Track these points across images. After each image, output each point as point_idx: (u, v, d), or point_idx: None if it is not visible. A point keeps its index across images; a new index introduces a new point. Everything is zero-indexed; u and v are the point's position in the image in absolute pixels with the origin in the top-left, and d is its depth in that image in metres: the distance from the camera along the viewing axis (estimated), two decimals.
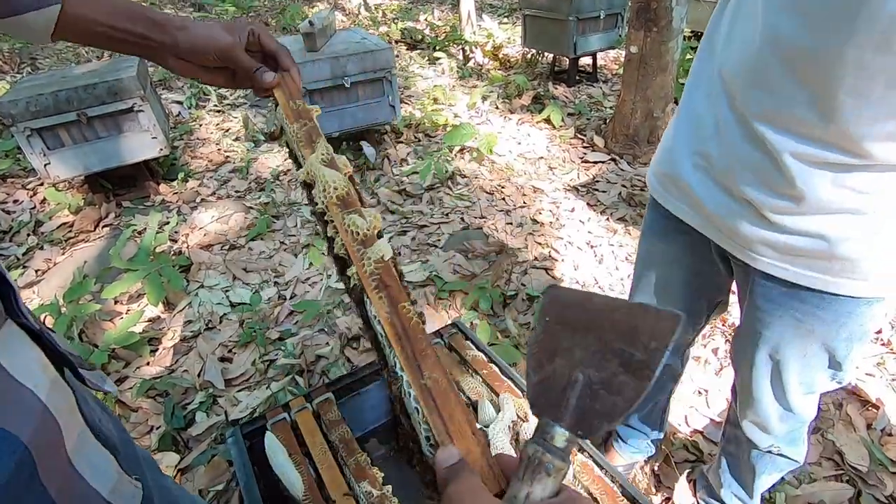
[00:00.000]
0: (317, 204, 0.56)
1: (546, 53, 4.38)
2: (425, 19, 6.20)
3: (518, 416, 0.88)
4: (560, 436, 0.35)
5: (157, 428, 1.56)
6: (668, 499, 1.36)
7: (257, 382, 1.70)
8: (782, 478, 1.34)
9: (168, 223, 2.47)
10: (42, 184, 2.73)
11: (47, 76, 2.61)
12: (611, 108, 3.62)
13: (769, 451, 0.98)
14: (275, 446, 0.84)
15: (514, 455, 0.55)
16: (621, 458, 1.42)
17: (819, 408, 0.95)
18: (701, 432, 1.52)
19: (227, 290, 2.12)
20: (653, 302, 1.00)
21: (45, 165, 2.35)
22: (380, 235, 0.54)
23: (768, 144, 0.65)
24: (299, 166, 0.62)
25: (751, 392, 0.88)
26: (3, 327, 0.41)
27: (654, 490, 1.40)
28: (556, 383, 0.37)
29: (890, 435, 1.47)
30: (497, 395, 0.93)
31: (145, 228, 2.36)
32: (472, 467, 0.40)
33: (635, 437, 1.37)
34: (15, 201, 2.75)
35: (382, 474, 0.81)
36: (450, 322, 1.20)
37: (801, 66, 0.59)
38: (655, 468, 1.44)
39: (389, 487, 0.78)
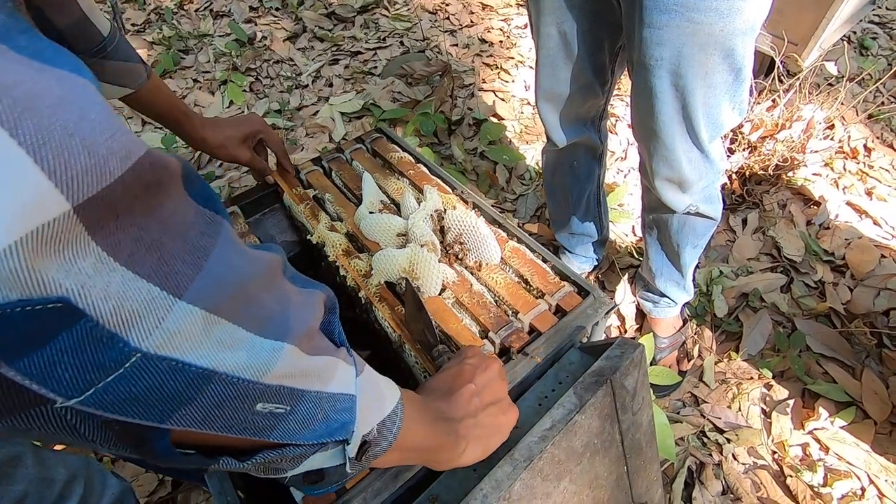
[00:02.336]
0: (328, 256, 0.78)
1: None
2: None
3: (444, 207, 0.79)
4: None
5: None
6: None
7: None
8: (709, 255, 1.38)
9: None
10: None
11: None
12: None
13: (688, 213, 0.97)
14: None
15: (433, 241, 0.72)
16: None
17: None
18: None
19: (138, 134, 1.86)
20: (560, 70, 0.94)
21: None
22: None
23: None
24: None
25: (661, 140, 0.83)
26: None
27: None
28: None
29: (827, 229, 1.50)
30: (420, 190, 0.83)
31: None
32: None
33: (580, 243, 1.35)
34: None
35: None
36: (373, 128, 1.05)
37: None
38: (600, 277, 1.45)
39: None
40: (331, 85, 2.02)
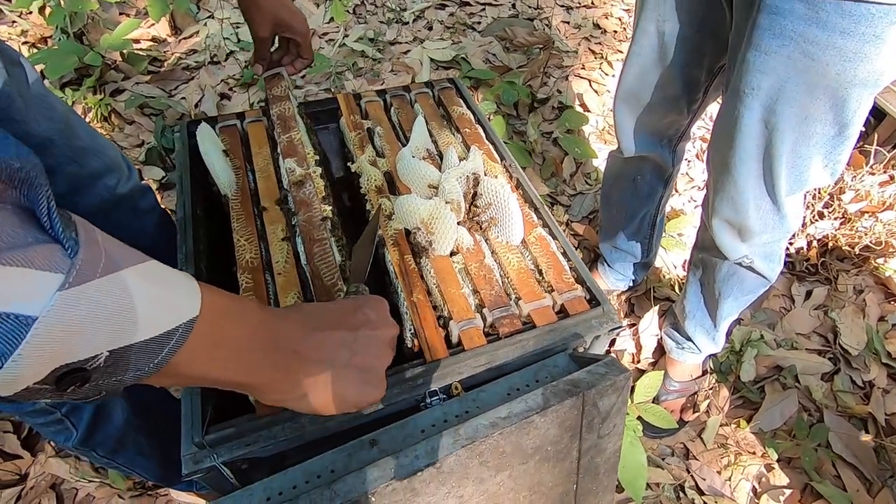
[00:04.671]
0: (361, 187, 0.76)
1: None
2: None
3: (484, 172, 0.76)
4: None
5: (147, 143, 1.53)
6: (633, 325, 1.32)
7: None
8: (753, 316, 1.27)
9: None
10: None
11: None
12: None
13: (740, 263, 0.88)
14: (206, 136, 0.75)
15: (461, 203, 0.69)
16: (603, 283, 1.35)
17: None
18: None
19: (237, 27, 1.92)
20: (649, 74, 0.86)
21: None
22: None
23: None
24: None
25: (732, 177, 0.75)
26: None
27: (622, 315, 1.35)
28: None
29: None
30: (468, 149, 0.80)
31: None
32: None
33: (622, 260, 1.28)
34: None
35: (317, 157, 0.76)
36: (447, 77, 1.02)
37: None
38: (632, 299, 1.38)
39: (319, 170, 0.73)
40: (430, 28, 1.98)
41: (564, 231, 1.46)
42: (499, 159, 0.82)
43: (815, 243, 1.42)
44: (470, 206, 0.72)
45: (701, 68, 0.83)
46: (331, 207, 0.70)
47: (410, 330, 0.61)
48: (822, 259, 1.42)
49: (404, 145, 0.82)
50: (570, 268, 0.69)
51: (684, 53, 0.81)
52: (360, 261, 0.58)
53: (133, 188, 0.79)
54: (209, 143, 0.73)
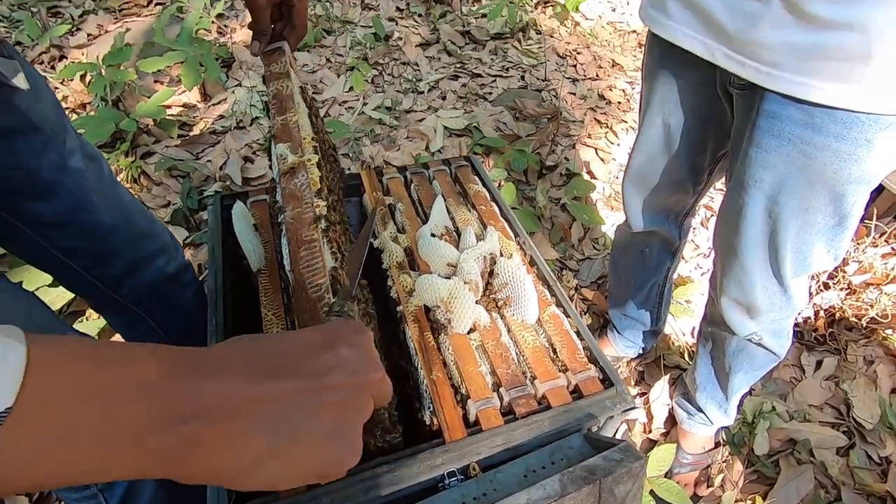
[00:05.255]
0: (383, 263, 0.78)
1: None
2: None
3: (501, 252, 0.80)
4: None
5: (174, 204, 1.60)
6: (644, 394, 1.32)
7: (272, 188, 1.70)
8: (765, 387, 1.26)
9: (214, 10, 2.34)
10: None
11: None
12: None
13: (749, 340, 0.90)
14: (240, 215, 0.80)
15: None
16: (612, 349, 1.36)
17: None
18: None
19: (263, 95, 2.04)
20: (656, 160, 0.92)
21: None
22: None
23: None
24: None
25: (739, 260, 0.79)
26: None
27: (632, 383, 1.36)
28: None
29: None
30: (485, 227, 0.84)
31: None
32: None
33: (631, 327, 1.30)
34: None
35: (316, 143, 0.68)
36: (463, 155, 1.09)
37: None
38: (642, 367, 1.39)
39: (316, 157, 0.65)
40: (444, 98, 2.10)
41: (574, 297, 1.49)
42: (513, 236, 0.86)
43: (822, 313, 1.44)
44: (487, 285, 0.76)
45: (705, 155, 0.89)
46: (325, 203, 0.61)
47: (429, 408, 0.63)
48: (831, 329, 1.43)
49: (424, 222, 0.86)
50: (584, 347, 0.72)
51: (689, 143, 0.86)
52: (350, 269, 0.48)
53: (178, 266, 0.84)
54: (243, 222, 0.78)
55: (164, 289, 0.81)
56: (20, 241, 0.68)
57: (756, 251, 0.76)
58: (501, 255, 0.79)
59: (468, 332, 0.71)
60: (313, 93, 2.08)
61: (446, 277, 0.75)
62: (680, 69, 0.81)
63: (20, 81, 0.56)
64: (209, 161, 1.77)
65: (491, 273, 0.77)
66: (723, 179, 0.91)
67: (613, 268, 1.26)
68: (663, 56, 0.82)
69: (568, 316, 0.75)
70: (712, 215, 1.74)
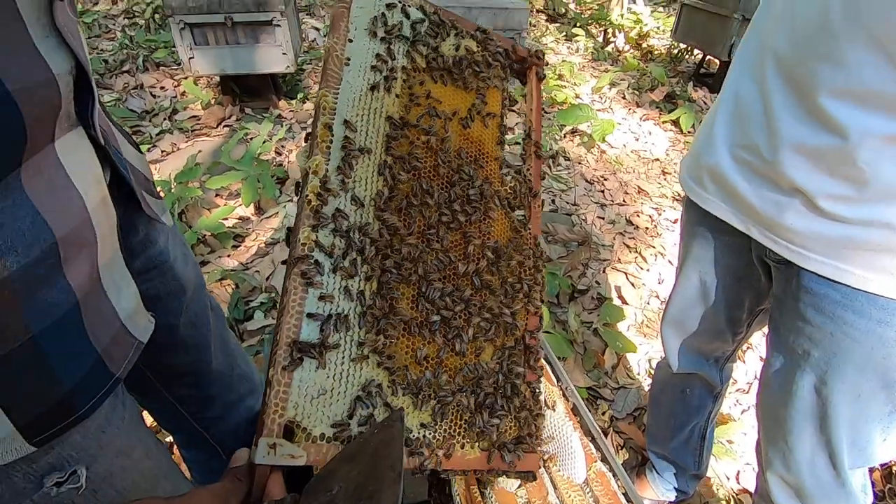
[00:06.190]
0: None
1: (695, 51, 3.97)
2: None
3: (545, 402, 0.82)
4: None
5: None
6: None
7: None
8: None
9: (276, 135, 2.62)
10: (185, 77, 3.01)
11: None
12: None
13: None
14: None
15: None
16: (652, 492, 1.30)
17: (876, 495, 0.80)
18: (751, 493, 1.34)
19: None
20: (693, 309, 0.94)
21: (190, 59, 2.58)
22: None
23: (832, 121, 0.59)
24: None
25: (783, 433, 0.75)
26: (73, 131, 0.43)
27: None
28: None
29: None
30: None
31: (258, 135, 2.52)
32: None
33: (671, 469, 1.24)
34: (162, 87, 3.07)
35: None
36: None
37: (877, 26, 0.53)
38: None
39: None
40: None
41: (609, 430, 1.45)
42: (555, 380, 0.88)
43: (877, 466, 1.36)
44: None
45: (742, 309, 0.90)
46: (314, 236, 0.49)
47: None
48: (889, 485, 1.34)
49: None
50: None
51: (726, 299, 0.88)
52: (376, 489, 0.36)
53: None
54: None
55: (248, 427, 0.81)
56: (147, 391, 0.70)
57: (805, 428, 0.73)
58: (546, 405, 0.81)
59: (515, 489, 0.71)
60: None
61: None
62: (716, 232, 0.84)
63: (167, 219, 0.63)
64: (257, 272, 1.88)
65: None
66: (764, 329, 0.92)
67: (653, 402, 1.25)
68: (700, 218, 0.86)
69: (616, 476, 0.74)
70: (749, 348, 1.73)
